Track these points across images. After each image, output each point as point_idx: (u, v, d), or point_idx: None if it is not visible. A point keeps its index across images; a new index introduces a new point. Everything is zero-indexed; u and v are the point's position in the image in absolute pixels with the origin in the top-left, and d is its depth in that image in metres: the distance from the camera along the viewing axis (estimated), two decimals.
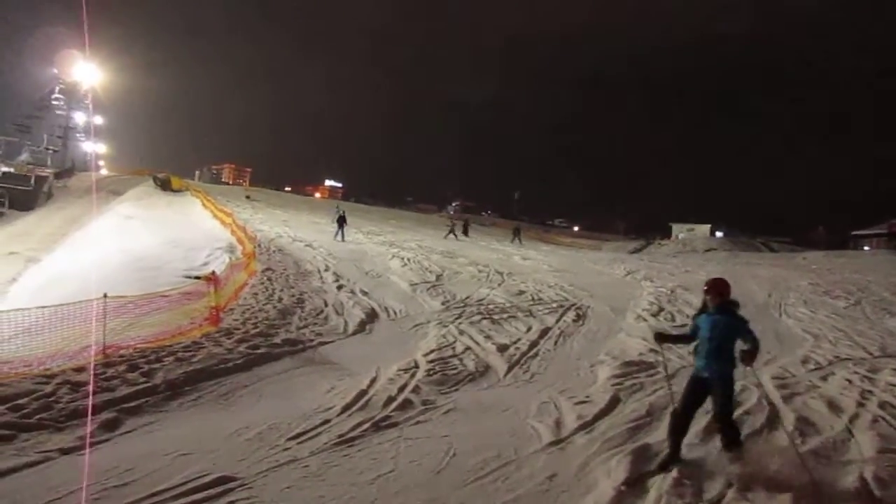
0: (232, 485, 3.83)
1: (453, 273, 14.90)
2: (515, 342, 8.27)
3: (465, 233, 32.83)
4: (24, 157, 51.20)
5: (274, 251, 16.44)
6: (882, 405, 5.62)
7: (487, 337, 8.47)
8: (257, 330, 8.09)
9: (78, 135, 61.02)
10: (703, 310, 4.40)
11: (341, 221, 21.68)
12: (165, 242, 17.20)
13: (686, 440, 4.29)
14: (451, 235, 27.57)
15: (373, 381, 6.19)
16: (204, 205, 29.53)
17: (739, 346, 4.15)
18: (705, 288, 4.35)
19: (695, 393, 4.25)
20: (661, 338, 4.76)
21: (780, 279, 16.47)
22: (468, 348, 7.84)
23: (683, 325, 9.51)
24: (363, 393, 5.78)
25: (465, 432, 4.89)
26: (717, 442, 4.31)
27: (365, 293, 11.59)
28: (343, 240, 20.54)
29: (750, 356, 4.08)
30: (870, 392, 6.05)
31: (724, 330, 4.15)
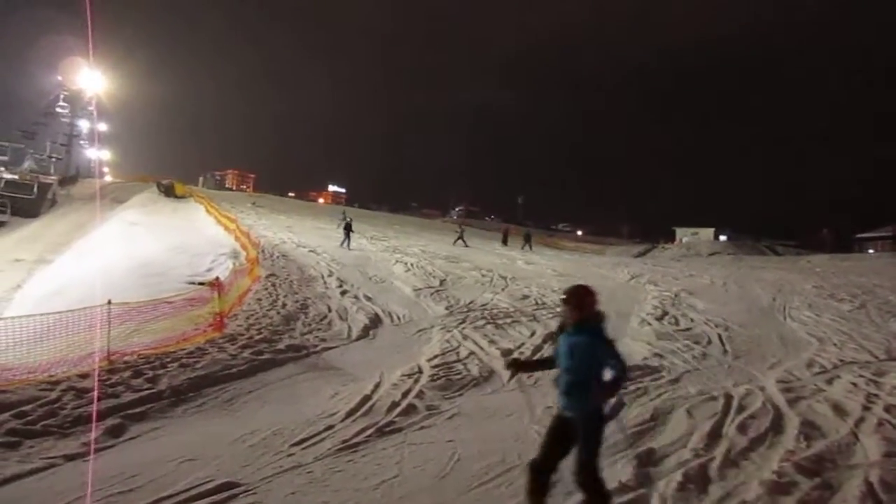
0: (236, 491, 3.84)
1: (457, 278, 14.91)
2: (519, 347, 8.27)
3: (504, 242, 32.34)
4: (28, 164, 51.62)
5: (278, 257, 16.48)
6: (888, 409, 5.57)
7: (491, 342, 8.47)
8: (261, 336, 8.10)
9: (82, 142, 61.69)
10: (562, 328, 3.38)
11: (347, 229, 21.27)
12: (170, 249, 17.27)
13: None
14: (460, 241, 27.43)
15: (377, 386, 6.20)
16: (208, 211, 29.66)
17: (609, 375, 3.17)
18: (563, 297, 3.30)
19: (557, 438, 3.28)
20: (516, 366, 3.80)
21: (785, 282, 16.39)
22: (472, 353, 7.83)
23: (687, 330, 9.49)
24: (367, 398, 5.79)
25: (469, 437, 4.89)
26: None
27: (369, 298, 11.61)
28: (349, 248, 20.45)
29: (607, 390, 3.12)
30: (875, 395, 6.01)
31: (583, 355, 3.14)
